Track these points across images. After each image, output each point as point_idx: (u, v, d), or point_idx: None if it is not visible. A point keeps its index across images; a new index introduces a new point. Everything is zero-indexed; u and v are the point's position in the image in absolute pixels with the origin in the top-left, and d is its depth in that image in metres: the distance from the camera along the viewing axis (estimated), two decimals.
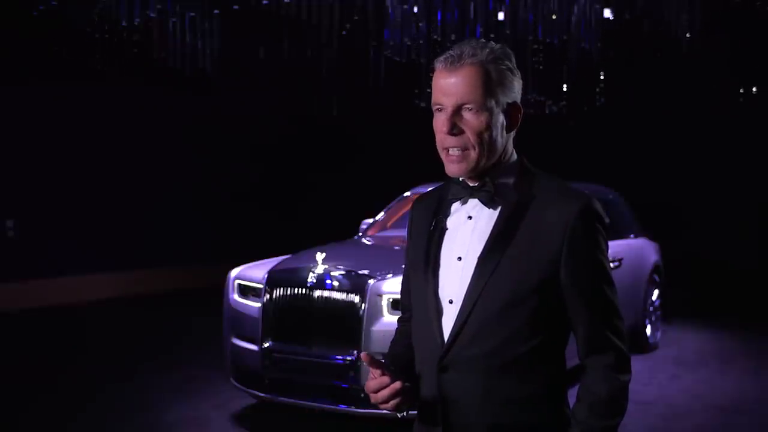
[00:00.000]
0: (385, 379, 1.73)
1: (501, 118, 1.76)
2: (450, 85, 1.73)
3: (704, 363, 7.16)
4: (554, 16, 8.59)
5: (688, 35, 8.49)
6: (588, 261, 1.73)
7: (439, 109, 1.76)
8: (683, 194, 13.56)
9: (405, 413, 1.83)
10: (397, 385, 1.72)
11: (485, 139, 1.73)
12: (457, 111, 1.73)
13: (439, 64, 1.77)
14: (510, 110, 1.78)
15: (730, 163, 13.35)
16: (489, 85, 1.72)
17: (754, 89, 12.26)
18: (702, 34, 8.61)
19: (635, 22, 9.23)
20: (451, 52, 1.75)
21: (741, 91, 12.40)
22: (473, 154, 1.74)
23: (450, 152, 1.76)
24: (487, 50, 1.74)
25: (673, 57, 10.21)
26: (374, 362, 1.72)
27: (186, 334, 8.18)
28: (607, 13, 9.04)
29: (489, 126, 1.73)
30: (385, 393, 1.73)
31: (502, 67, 1.75)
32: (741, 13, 9.18)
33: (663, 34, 8.95)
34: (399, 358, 1.94)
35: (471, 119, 1.73)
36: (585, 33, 8.85)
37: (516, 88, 1.79)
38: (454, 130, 1.73)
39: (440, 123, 1.76)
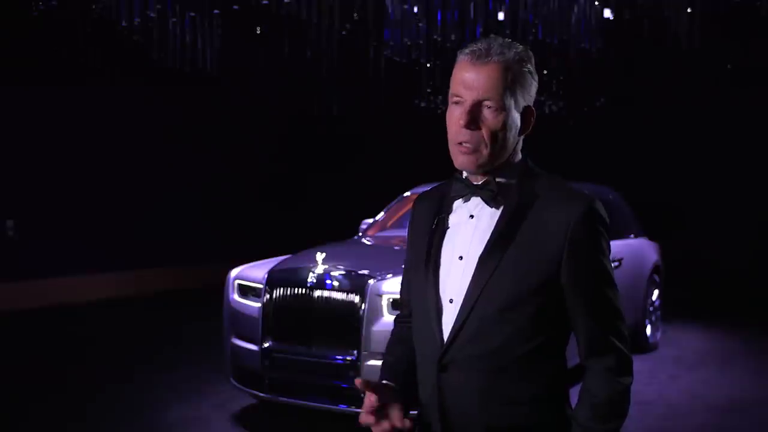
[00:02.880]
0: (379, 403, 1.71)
1: (517, 120, 1.74)
2: (473, 79, 1.70)
3: (704, 363, 7.16)
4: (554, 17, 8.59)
5: (687, 35, 8.48)
6: (590, 263, 1.71)
7: (457, 102, 1.73)
8: (683, 194, 13.58)
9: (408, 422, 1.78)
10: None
11: (499, 139, 1.72)
12: (476, 106, 1.71)
13: (464, 56, 1.73)
14: (525, 113, 1.77)
15: (730, 164, 13.36)
16: (511, 86, 1.70)
17: (754, 89, 12.26)
18: (702, 33, 8.60)
19: (635, 22, 9.22)
20: (478, 45, 1.72)
21: (741, 91, 12.40)
22: (485, 151, 1.72)
23: (462, 145, 1.74)
24: (513, 51, 1.72)
25: (673, 57, 10.20)
26: (370, 386, 1.71)
27: (186, 334, 8.17)
28: (607, 13, 9.04)
29: (505, 126, 1.71)
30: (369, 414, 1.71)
31: (524, 69, 1.73)
32: (741, 13, 9.17)
33: (663, 34, 8.95)
34: (396, 365, 1.91)
35: (489, 117, 1.71)
36: (585, 33, 8.85)
37: (533, 92, 1.78)
38: (471, 125, 1.71)
39: (456, 115, 1.73)
